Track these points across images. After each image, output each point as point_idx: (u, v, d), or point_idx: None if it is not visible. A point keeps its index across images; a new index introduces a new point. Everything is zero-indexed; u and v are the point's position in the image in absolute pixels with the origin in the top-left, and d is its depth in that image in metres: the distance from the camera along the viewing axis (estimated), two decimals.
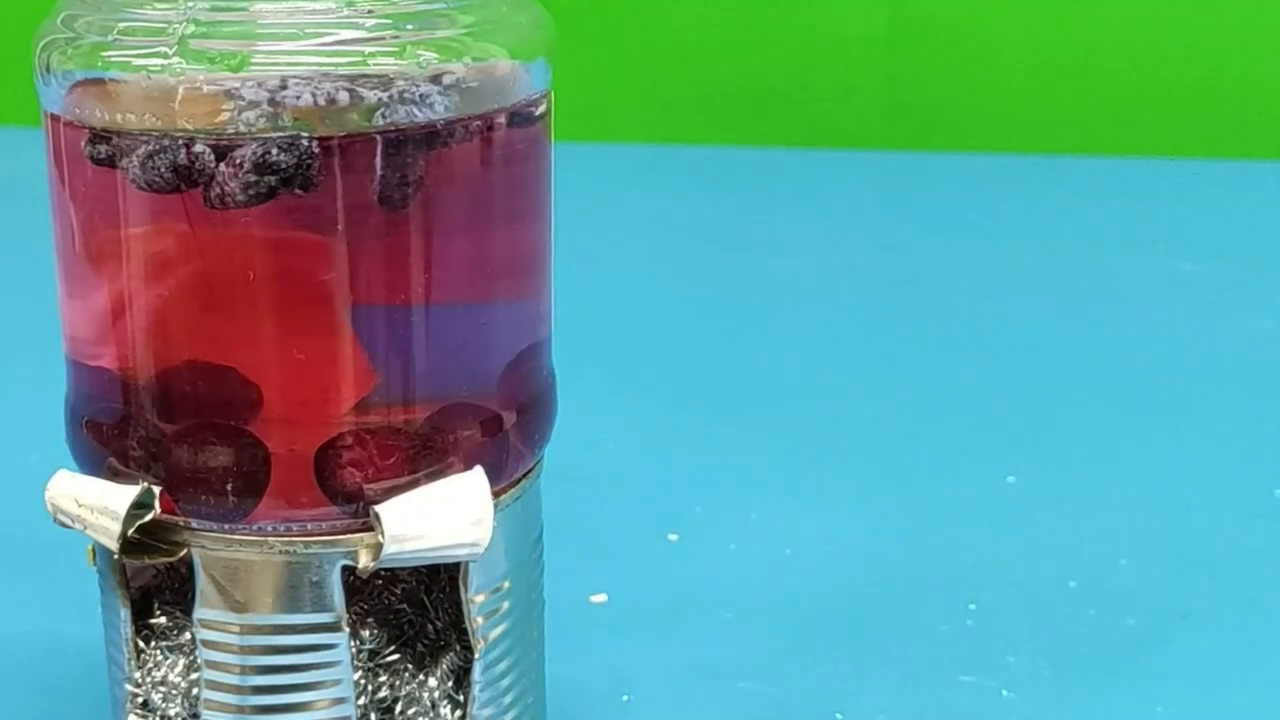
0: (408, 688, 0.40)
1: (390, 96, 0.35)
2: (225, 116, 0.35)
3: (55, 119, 0.37)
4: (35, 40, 0.38)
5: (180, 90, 0.35)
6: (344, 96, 0.35)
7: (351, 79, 0.35)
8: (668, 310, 0.86)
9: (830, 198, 1.07)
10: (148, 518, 0.37)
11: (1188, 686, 0.51)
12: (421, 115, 0.36)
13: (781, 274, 0.92)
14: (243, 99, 0.35)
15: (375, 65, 0.35)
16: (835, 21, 1.18)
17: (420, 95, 0.36)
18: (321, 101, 0.35)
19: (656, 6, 1.20)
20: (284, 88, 0.35)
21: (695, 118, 1.20)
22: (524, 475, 0.41)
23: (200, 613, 0.38)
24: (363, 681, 0.40)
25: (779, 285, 0.90)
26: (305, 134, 0.35)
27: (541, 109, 0.39)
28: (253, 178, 0.35)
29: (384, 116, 0.35)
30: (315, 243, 0.36)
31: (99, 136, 0.36)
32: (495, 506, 0.38)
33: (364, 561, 0.37)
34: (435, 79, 0.36)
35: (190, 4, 0.36)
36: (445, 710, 0.40)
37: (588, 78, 1.18)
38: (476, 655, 0.40)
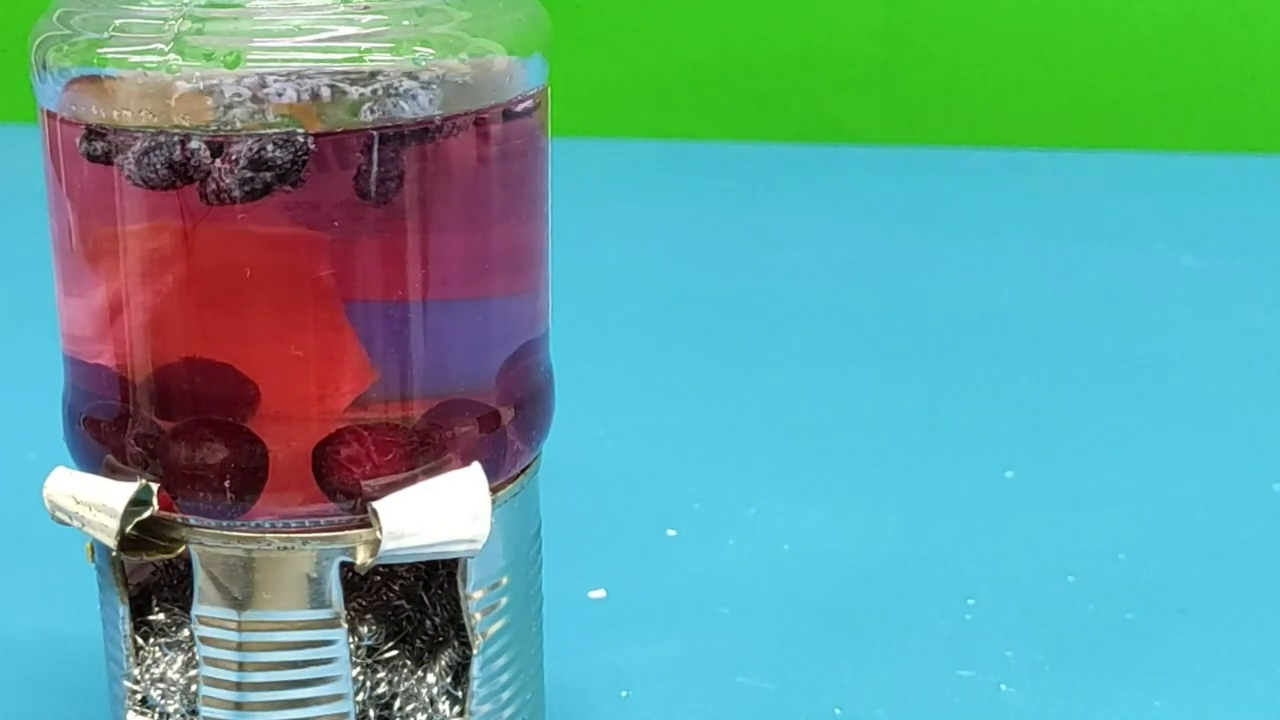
0: (406, 684, 0.40)
1: (374, 91, 0.35)
2: (218, 113, 0.35)
3: (51, 116, 0.37)
4: (31, 37, 0.38)
5: (176, 87, 0.35)
6: (326, 92, 0.35)
7: (333, 74, 0.35)
8: (666, 306, 0.86)
9: (828, 193, 1.07)
10: (146, 515, 0.37)
11: (1186, 681, 0.51)
12: (407, 110, 0.36)
13: (780, 269, 0.92)
14: (225, 95, 0.35)
15: (371, 61, 0.35)
16: (833, 16, 1.18)
17: (404, 90, 0.36)
18: (305, 97, 0.35)
19: (654, 1, 1.20)
20: (264, 85, 0.35)
21: (693, 113, 1.20)
22: (522, 471, 0.41)
23: (198, 609, 0.38)
24: (361, 678, 0.40)
25: (777, 280, 0.90)
26: (300, 130, 0.35)
27: (538, 104, 0.39)
28: (248, 174, 0.35)
29: (372, 111, 0.35)
30: (312, 238, 0.36)
31: (95, 133, 0.36)
32: (493, 503, 0.38)
33: (362, 558, 0.37)
34: (420, 74, 0.36)
35: (186, 0, 0.36)
36: (444, 706, 0.40)
37: (585, 73, 1.18)
38: (475, 651, 0.40)
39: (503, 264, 0.39)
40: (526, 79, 0.39)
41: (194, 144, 0.35)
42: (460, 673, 0.40)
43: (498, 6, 0.38)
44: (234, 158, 0.35)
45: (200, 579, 0.38)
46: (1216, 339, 0.80)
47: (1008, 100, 1.17)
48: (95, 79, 0.36)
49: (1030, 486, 0.64)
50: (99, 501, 0.37)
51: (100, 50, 0.36)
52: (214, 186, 0.35)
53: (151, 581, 0.42)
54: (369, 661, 0.40)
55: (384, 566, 0.40)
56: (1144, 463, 0.66)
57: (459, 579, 0.39)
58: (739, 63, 1.19)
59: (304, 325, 0.36)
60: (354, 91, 0.35)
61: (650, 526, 0.61)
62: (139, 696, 0.41)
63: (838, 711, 0.49)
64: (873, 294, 0.88)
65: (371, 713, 0.40)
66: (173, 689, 0.40)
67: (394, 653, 0.41)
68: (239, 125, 0.35)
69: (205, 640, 0.38)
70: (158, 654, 0.41)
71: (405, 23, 0.36)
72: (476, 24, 0.37)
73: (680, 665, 0.52)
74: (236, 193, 0.35)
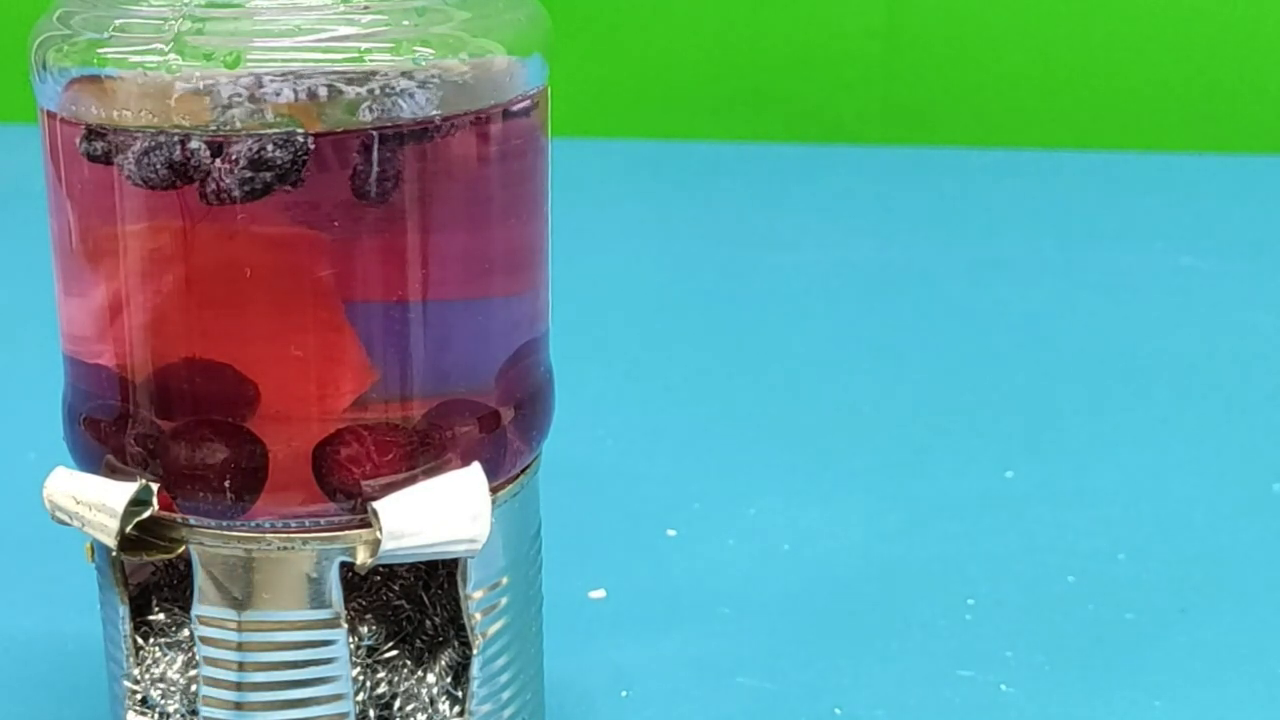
0: (406, 684, 0.40)
1: (373, 91, 0.35)
2: (218, 113, 0.35)
3: (52, 116, 0.37)
4: (31, 37, 0.38)
5: (176, 87, 0.35)
6: (325, 92, 0.35)
7: (332, 74, 0.35)
8: (666, 306, 0.86)
9: (829, 193, 1.07)
10: (146, 515, 0.37)
11: (1186, 681, 0.51)
12: (407, 109, 0.36)
13: (780, 269, 0.92)
14: (224, 96, 0.35)
15: (371, 61, 0.35)
16: (834, 17, 1.18)
17: (403, 89, 0.36)
18: (304, 97, 0.35)
19: (654, 1, 1.20)
20: (262, 85, 0.35)
21: (693, 113, 1.20)
22: (522, 471, 0.41)
23: (198, 609, 0.38)
24: (361, 678, 0.40)
25: (777, 280, 0.90)
26: (300, 130, 0.35)
27: (537, 104, 0.39)
28: (248, 174, 0.35)
29: (371, 111, 0.35)
30: (312, 238, 0.36)
31: (95, 133, 0.36)
32: (493, 503, 0.38)
33: (362, 558, 0.37)
34: (419, 73, 0.36)
35: (186, 0, 0.36)
36: (444, 706, 0.40)
37: (585, 73, 1.18)
38: (475, 651, 0.40)
39: (502, 264, 0.39)
40: (526, 79, 0.39)
41: (194, 144, 0.35)
42: (460, 673, 0.40)
43: (498, 6, 0.38)
44: (234, 158, 0.35)
45: (200, 579, 0.38)
46: (1216, 339, 0.80)
47: (1008, 100, 1.17)
48: (95, 79, 0.36)
49: (1030, 486, 0.64)
50: (99, 501, 0.37)
51: (100, 50, 0.36)
52: (214, 186, 0.35)
53: (151, 581, 0.42)
54: (369, 661, 0.40)
55: (384, 566, 0.40)
56: (1144, 463, 0.66)
57: (459, 579, 0.39)
58: (739, 63, 1.19)
59: (304, 325, 0.36)
60: (353, 91, 0.35)
61: (650, 526, 0.61)
62: (139, 696, 0.41)
63: (838, 711, 0.49)
64: (873, 294, 0.88)
65: (371, 713, 0.40)
66: (173, 689, 0.40)
67: (394, 653, 0.41)
68: (239, 125, 0.35)
69: (205, 640, 0.38)
70: (158, 654, 0.41)
71: (405, 23, 0.36)
72: (476, 24, 0.37)
73: (680, 665, 0.52)
74: (236, 193, 0.35)
